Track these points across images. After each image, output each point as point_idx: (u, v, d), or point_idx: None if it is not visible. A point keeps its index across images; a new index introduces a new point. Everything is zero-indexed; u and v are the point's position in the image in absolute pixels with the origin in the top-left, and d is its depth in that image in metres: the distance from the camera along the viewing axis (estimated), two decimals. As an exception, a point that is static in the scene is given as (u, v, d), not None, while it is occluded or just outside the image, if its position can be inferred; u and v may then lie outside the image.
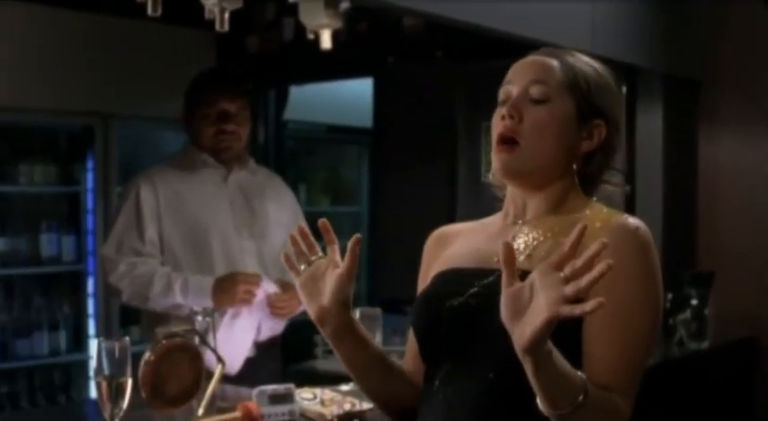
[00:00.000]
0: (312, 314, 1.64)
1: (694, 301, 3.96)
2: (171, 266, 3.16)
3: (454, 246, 1.77)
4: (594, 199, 1.71)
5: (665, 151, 4.65)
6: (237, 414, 2.36)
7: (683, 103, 4.81)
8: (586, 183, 1.70)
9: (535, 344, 1.30)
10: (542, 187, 1.67)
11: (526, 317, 1.31)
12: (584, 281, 1.28)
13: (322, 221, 1.64)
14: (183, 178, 3.25)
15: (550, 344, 1.32)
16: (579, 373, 1.41)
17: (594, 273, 1.27)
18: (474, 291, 1.59)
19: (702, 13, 4.76)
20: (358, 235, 1.59)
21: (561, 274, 1.30)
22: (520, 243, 1.64)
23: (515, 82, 1.68)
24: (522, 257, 1.60)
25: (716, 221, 4.82)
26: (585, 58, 1.72)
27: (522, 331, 1.31)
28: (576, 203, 1.67)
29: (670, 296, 4.03)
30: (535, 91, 1.65)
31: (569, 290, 1.28)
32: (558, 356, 1.35)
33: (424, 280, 1.79)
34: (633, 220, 1.60)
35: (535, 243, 1.63)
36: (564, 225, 1.61)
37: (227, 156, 3.29)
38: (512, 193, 1.72)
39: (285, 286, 3.13)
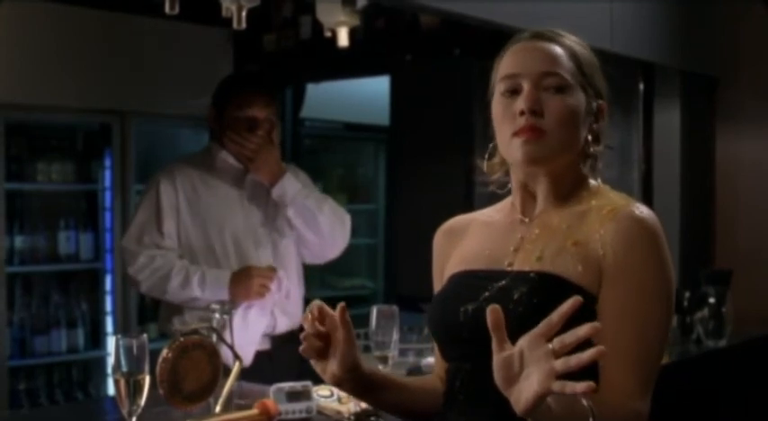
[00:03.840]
0: (327, 380, 1.65)
1: (712, 300, 3.93)
2: (188, 260, 3.21)
3: (465, 243, 1.77)
4: (598, 181, 1.70)
5: (682, 149, 4.63)
6: (255, 411, 2.36)
7: (701, 100, 4.79)
8: (589, 161, 1.69)
9: (530, 411, 1.30)
10: (559, 173, 1.66)
11: (519, 385, 1.30)
12: (574, 361, 1.26)
13: (341, 306, 1.58)
14: (202, 176, 3.29)
15: (547, 400, 1.31)
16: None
17: (585, 357, 1.25)
18: (488, 295, 1.59)
19: (720, 11, 4.74)
20: (342, 303, 1.57)
21: (550, 347, 1.28)
22: (529, 245, 1.64)
23: (525, 74, 1.63)
24: (533, 259, 1.61)
25: (734, 219, 4.80)
26: (573, 37, 1.70)
27: (516, 398, 1.31)
28: (582, 192, 1.67)
29: (688, 294, 4.01)
30: (551, 82, 1.62)
31: (559, 366, 1.26)
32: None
33: (439, 277, 1.79)
34: (640, 210, 1.59)
35: (544, 243, 1.62)
36: (572, 221, 1.62)
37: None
38: (520, 184, 1.70)
39: None
